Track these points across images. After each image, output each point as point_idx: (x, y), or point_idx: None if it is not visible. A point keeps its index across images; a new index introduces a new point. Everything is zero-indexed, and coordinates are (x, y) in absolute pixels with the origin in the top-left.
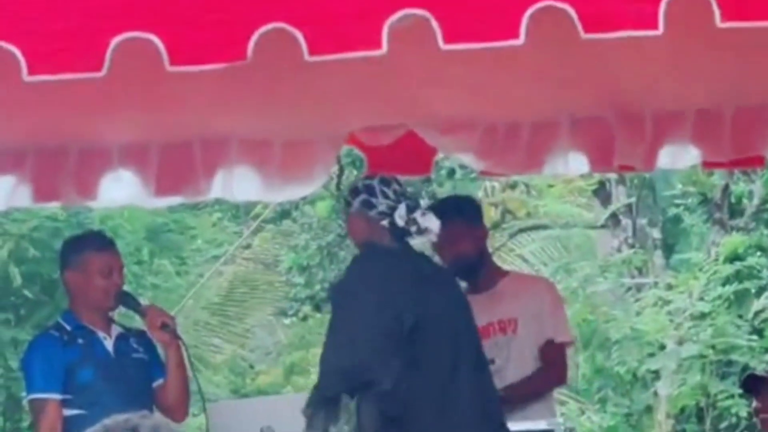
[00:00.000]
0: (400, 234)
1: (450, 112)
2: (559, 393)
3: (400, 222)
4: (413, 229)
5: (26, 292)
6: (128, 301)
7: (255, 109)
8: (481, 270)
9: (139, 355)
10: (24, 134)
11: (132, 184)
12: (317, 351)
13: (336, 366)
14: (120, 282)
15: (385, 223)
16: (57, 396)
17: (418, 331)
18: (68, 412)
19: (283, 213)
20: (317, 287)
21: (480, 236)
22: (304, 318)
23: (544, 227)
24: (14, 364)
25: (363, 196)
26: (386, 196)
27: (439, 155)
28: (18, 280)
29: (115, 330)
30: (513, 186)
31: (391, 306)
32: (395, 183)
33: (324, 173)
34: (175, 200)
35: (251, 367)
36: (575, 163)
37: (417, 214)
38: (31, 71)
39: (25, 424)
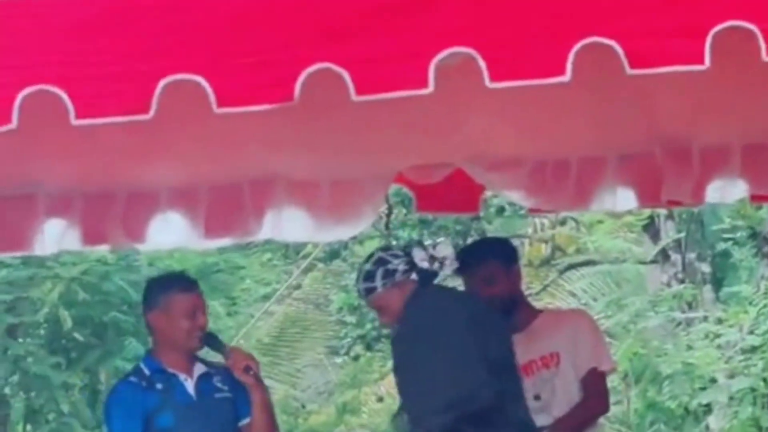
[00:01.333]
0: (430, 278)
1: (498, 150)
2: (611, 428)
3: (424, 264)
4: (435, 265)
5: (76, 335)
6: (213, 342)
7: (303, 149)
8: (516, 310)
9: (223, 394)
10: (72, 178)
11: (181, 226)
12: (369, 390)
13: (437, 402)
14: (204, 323)
15: (413, 276)
16: None
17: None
18: None
19: (333, 252)
20: (368, 326)
21: (514, 277)
22: (356, 357)
23: (594, 263)
24: (65, 408)
25: (380, 269)
26: (396, 256)
27: (488, 193)
28: (68, 324)
29: (198, 369)
30: (563, 222)
31: (469, 336)
32: (394, 247)
33: (372, 212)
34: (224, 242)
35: (303, 406)
36: (623, 199)
37: (429, 250)
38: (79, 115)
39: None
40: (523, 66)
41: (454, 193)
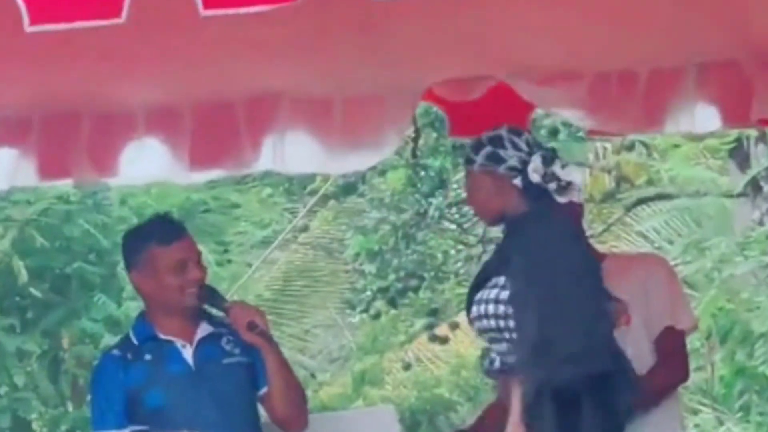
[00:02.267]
0: (536, 194)
1: (549, 60)
2: (690, 399)
3: (536, 177)
4: (552, 185)
5: (33, 291)
6: (212, 298)
7: (309, 58)
8: None
9: (233, 358)
10: (27, 97)
11: (160, 155)
12: (393, 356)
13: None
14: (200, 275)
15: (517, 181)
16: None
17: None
18: None
19: (348, 187)
20: (391, 277)
21: (579, 214)
22: (377, 315)
23: (669, 197)
24: (20, 380)
25: (488, 149)
26: (517, 147)
27: (538, 111)
28: (24, 277)
29: (202, 331)
30: (630, 147)
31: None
32: (527, 133)
33: (396, 137)
34: (214, 173)
35: (313, 376)
36: (704, 118)
37: (556, 167)
38: (34, 19)
39: None
40: None
41: (497, 112)
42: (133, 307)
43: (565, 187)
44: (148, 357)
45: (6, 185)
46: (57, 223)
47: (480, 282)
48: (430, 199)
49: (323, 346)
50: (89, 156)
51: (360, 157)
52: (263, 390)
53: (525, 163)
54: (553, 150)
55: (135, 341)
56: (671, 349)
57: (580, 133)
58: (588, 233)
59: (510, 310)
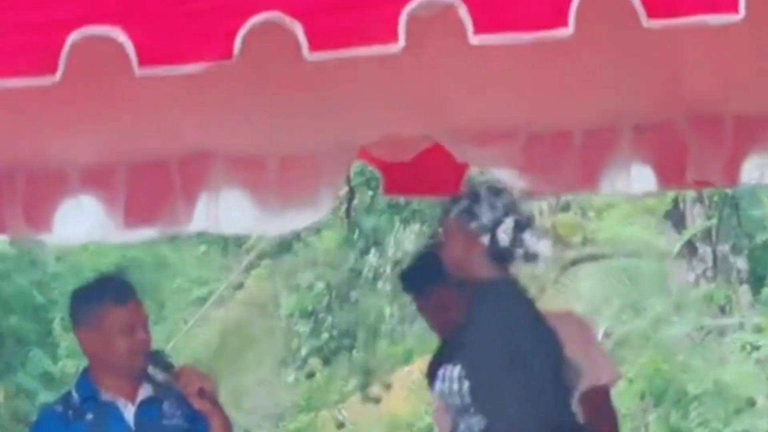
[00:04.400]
0: (500, 256)
1: (484, 120)
2: None
3: (504, 239)
4: (518, 251)
5: None
6: (158, 361)
7: (244, 119)
8: None
9: (173, 421)
10: None
11: (95, 214)
12: (327, 414)
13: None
14: (146, 338)
15: (485, 239)
16: None
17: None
18: None
19: (283, 245)
20: (325, 336)
21: None
22: (311, 374)
23: (605, 257)
24: None
25: (464, 203)
26: (493, 207)
27: (472, 171)
28: None
29: (144, 393)
30: (565, 207)
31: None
32: (508, 195)
33: (331, 196)
34: (148, 232)
35: None
36: (640, 178)
37: (527, 235)
38: None
39: None
40: (514, 16)
41: (431, 172)
42: (69, 364)
43: (532, 256)
44: (89, 416)
45: None
46: None
47: (443, 355)
48: (365, 258)
49: (258, 403)
50: (24, 213)
51: (295, 216)
52: None
53: (497, 225)
54: (530, 219)
55: (77, 399)
56: (597, 407)
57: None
58: None
59: (473, 388)
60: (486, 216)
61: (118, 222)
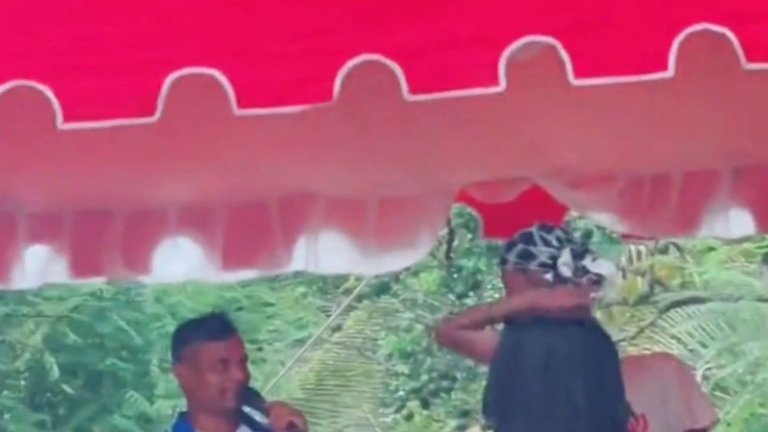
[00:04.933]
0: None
1: (583, 162)
2: None
3: (566, 271)
4: (583, 280)
5: (65, 387)
6: (251, 400)
7: (344, 160)
8: None
9: None
10: (59, 194)
11: (193, 255)
12: None
13: None
14: (241, 377)
15: (548, 276)
16: None
17: None
18: None
19: (381, 287)
20: (424, 377)
21: None
22: (409, 416)
23: (703, 300)
24: None
25: (519, 247)
26: (547, 243)
27: (571, 214)
28: (55, 373)
29: None
30: (663, 250)
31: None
32: (558, 229)
33: (430, 238)
34: (247, 273)
35: None
36: (739, 223)
37: (587, 260)
38: (68, 117)
39: None
40: (614, 59)
41: (530, 214)
42: (166, 405)
43: (597, 281)
44: None
45: (38, 282)
46: (90, 320)
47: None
48: (464, 300)
49: None
50: (122, 254)
51: (394, 258)
52: None
53: (555, 258)
54: (584, 243)
55: None
56: None
57: (614, 237)
58: (621, 336)
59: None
60: (543, 254)
61: (217, 263)
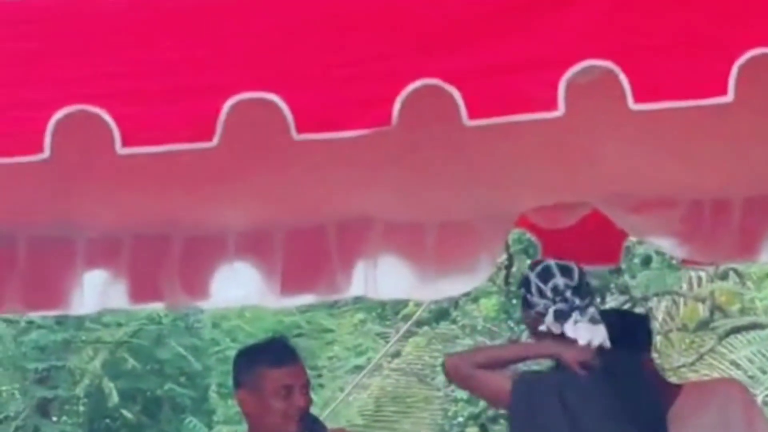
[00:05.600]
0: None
1: (643, 187)
2: None
3: (555, 329)
4: (569, 333)
5: (124, 413)
6: (313, 425)
7: (403, 185)
8: None
9: None
10: (117, 219)
11: (252, 280)
12: None
13: None
14: (304, 403)
15: (543, 328)
16: None
17: None
18: None
19: (441, 313)
20: (482, 403)
21: (644, 364)
22: None
23: (764, 326)
24: None
25: (522, 292)
26: (542, 294)
27: (631, 240)
28: (114, 398)
29: None
30: (723, 276)
31: None
32: (560, 275)
33: (489, 264)
34: (305, 299)
35: None
36: None
37: (568, 324)
38: (126, 142)
39: None
40: (674, 83)
41: (590, 239)
42: (225, 431)
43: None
44: None
45: (97, 307)
46: (148, 345)
47: None
48: (523, 327)
49: None
50: (180, 279)
51: (453, 284)
52: None
53: (547, 310)
54: (574, 301)
55: None
56: None
57: (674, 262)
58: (680, 362)
59: None
60: (538, 305)
61: (275, 288)
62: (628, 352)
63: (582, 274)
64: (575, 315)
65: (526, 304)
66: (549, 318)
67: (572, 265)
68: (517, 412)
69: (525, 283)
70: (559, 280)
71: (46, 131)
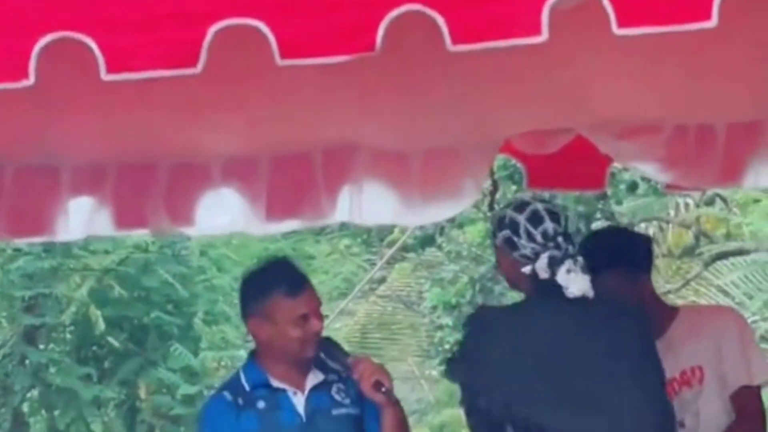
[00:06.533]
0: (544, 287)
1: (628, 113)
2: None
3: (543, 274)
4: (554, 287)
5: (111, 340)
6: (331, 351)
7: (387, 111)
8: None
9: (343, 410)
10: (103, 146)
11: (237, 206)
12: None
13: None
14: (319, 328)
15: (527, 269)
16: None
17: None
18: None
19: (426, 239)
20: None
21: (643, 285)
22: None
23: (749, 251)
24: (97, 428)
25: (506, 233)
26: (532, 239)
27: (616, 165)
28: (101, 326)
29: (312, 379)
30: (709, 202)
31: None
32: (549, 220)
33: (474, 190)
34: (291, 225)
35: None
36: None
37: (561, 272)
38: (111, 68)
39: None
40: (658, 9)
41: (575, 165)
42: (210, 357)
43: (570, 293)
44: (260, 405)
45: (82, 234)
46: (135, 273)
47: None
48: None
49: (401, 398)
50: (165, 206)
51: (438, 210)
52: None
53: (538, 254)
54: (567, 251)
55: (246, 387)
56: (747, 407)
57: (659, 188)
58: (667, 288)
59: None
60: (525, 248)
61: (260, 214)
62: (628, 270)
63: (567, 220)
64: (568, 263)
65: (509, 246)
66: (541, 263)
67: (558, 209)
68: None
69: (511, 224)
70: (549, 225)
71: (31, 57)
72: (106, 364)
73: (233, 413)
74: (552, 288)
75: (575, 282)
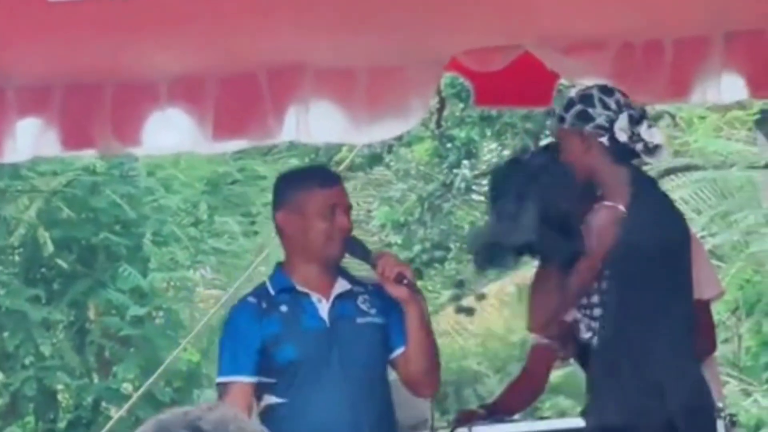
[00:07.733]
0: (623, 153)
1: (574, 29)
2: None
3: (622, 136)
4: (638, 146)
5: (59, 262)
6: (355, 248)
7: (333, 30)
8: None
9: (368, 318)
10: (49, 67)
11: (184, 125)
12: None
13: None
14: (346, 224)
15: (603, 140)
16: (245, 379)
17: None
18: (271, 399)
19: (374, 158)
20: (417, 248)
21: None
22: None
23: (695, 168)
24: (46, 350)
25: (578, 107)
26: (606, 107)
27: (563, 82)
28: (49, 248)
29: (339, 287)
30: (655, 118)
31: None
32: (618, 92)
33: (421, 107)
34: (238, 144)
35: None
36: (731, 88)
37: (643, 127)
38: None
39: (62, 424)
40: None
41: (522, 82)
42: (159, 278)
43: (651, 149)
44: (283, 308)
45: (30, 154)
46: (83, 194)
47: None
48: (457, 170)
49: None
50: (112, 126)
51: (385, 128)
52: (398, 351)
53: (612, 122)
54: (643, 111)
55: (271, 291)
56: (698, 320)
57: None
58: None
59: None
60: (601, 116)
61: (207, 133)
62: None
63: None
64: (646, 121)
65: (582, 119)
66: (621, 123)
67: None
68: None
69: (583, 98)
70: (620, 96)
71: None
72: (55, 286)
73: (257, 316)
74: (627, 153)
75: (657, 135)
